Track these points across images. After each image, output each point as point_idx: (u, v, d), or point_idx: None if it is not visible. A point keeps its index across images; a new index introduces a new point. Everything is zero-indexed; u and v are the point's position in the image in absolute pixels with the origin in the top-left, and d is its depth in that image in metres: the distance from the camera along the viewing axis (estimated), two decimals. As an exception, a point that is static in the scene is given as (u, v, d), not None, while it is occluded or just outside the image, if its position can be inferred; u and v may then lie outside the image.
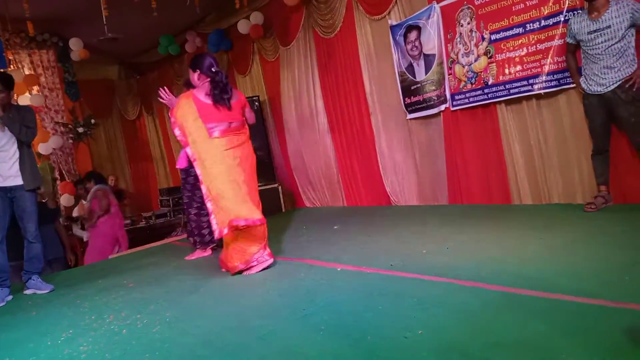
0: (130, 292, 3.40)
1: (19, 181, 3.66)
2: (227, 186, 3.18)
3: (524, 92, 3.86)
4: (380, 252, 3.33)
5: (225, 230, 3.17)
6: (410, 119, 4.86)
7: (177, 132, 3.31)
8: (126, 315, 2.81)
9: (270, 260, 3.32)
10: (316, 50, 5.77)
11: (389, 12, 4.82)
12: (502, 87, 3.99)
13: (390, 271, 2.82)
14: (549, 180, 3.93)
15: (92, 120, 7.65)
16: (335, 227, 4.55)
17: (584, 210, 3.51)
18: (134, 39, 7.03)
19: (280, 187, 6.38)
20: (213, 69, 3.31)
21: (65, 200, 6.86)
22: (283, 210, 6.36)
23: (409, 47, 4.64)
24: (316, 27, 5.65)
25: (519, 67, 3.86)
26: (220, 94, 3.27)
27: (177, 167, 4.41)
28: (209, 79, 3.31)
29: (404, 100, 4.83)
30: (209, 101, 3.25)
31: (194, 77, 3.37)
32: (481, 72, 4.11)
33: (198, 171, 3.28)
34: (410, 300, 2.33)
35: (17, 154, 3.67)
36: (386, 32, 4.86)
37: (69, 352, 2.39)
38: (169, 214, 7.87)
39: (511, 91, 3.94)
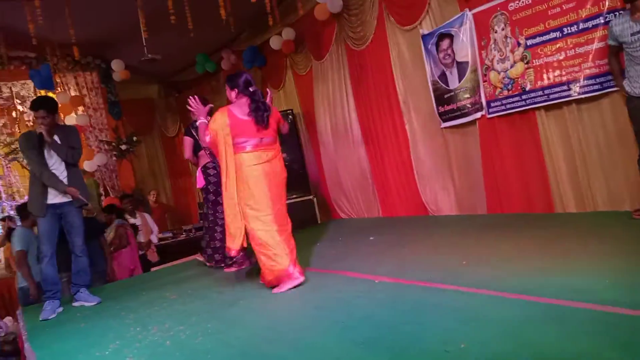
0: (173, 304, 3.49)
1: (68, 198, 3.84)
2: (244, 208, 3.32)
3: (564, 97, 3.75)
4: (418, 264, 3.29)
5: (233, 252, 3.41)
6: (444, 127, 4.80)
7: (207, 138, 3.38)
8: (169, 326, 2.88)
9: (301, 279, 3.28)
10: (348, 63, 5.81)
11: (420, 22, 4.80)
12: (540, 93, 3.90)
13: (429, 283, 2.78)
14: (594, 187, 3.79)
15: (134, 138, 7.94)
16: (371, 238, 4.53)
17: (631, 217, 3.36)
18: (172, 58, 7.27)
19: (315, 199, 6.41)
20: (251, 89, 3.41)
21: (109, 215, 7.12)
22: (318, 221, 6.38)
23: (441, 55, 4.60)
24: (347, 40, 5.70)
25: (557, 72, 3.76)
26: (263, 113, 3.36)
27: (198, 187, 4.54)
28: (245, 97, 3.40)
29: (438, 109, 4.79)
30: (246, 118, 3.33)
31: (232, 94, 3.46)
32: (518, 78, 4.03)
33: (223, 180, 3.38)
34: (451, 313, 2.29)
35: (66, 173, 3.85)
36: (418, 42, 4.85)
37: (116, 363, 2.48)
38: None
39: (550, 96, 3.84)
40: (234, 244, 3.35)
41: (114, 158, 7.59)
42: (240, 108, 3.38)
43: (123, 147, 7.68)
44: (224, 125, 3.32)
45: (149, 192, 8.65)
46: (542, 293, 2.28)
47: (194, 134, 4.31)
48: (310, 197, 6.39)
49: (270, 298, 3.19)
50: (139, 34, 5.17)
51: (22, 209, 5.04)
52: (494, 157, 4.41)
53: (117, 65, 7.10)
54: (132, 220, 6.14)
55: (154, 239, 6.52)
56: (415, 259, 3.45)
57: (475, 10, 4.26)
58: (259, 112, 3.35)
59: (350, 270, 3.44)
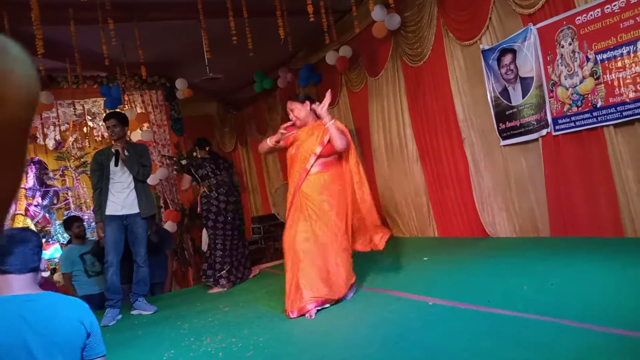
0: (226, 315, 3.54)
1: (135, 210, 4.02)
2: None
3: (638, 114, 3.51)
4: (475, 287, 3.15)
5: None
6: (504, 145, 4.63)
7: (345, 142, 3.47)
8: (222, 338, 2.92)
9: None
10: (404, 79, 5.76)
11: (480, 37, 4.69)
12: (613, 110, 3.67)
13: (487, 308, 2.65)
14: (672, 211, 3.49)
15: (194, 153, 8.23)
16: (425, 258, 4.41)
17: None
18: (230, 77, 7.54)
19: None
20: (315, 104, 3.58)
21: (168, 227, 7.40)
22: (371, 239, 6.29)
23: (503, 70, 4.46)
24: (404, 56, 5.67)
25: (631, 88, 3.53)
26: None
27: (198, 211, 5.13)
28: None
29: (498, 126, 4.63)
30: None
31: (307, 107, 3.56)
32: (588, 94, 3.83)
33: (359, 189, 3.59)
34: (511, 340, 2.16)
35: (132, 184, 4.05)
36: (477, 57, 4.73)
37: (170, 371, 2.53)
38: (260, 241, 8.15)
39: (624, 114, 3.60)
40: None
41: (175, 172, 7.90)
42: None
43: (183, 162, 7.98)
44: None
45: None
46: (612, 323, 2.10)
47: (193, 172, 5.06)
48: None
49: (320, 314, 3.16)
50: (202, 54, 5.40)
51: (66, 222, 5.23)
52: (558, 177, 4.18)
53: (180, 84, 7.45)
54: None
55: None
56: (471, 282, 3.30)
57: (539, 25, 4.10)
58: None
59: (401, 290, 3.35)
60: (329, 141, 3.40)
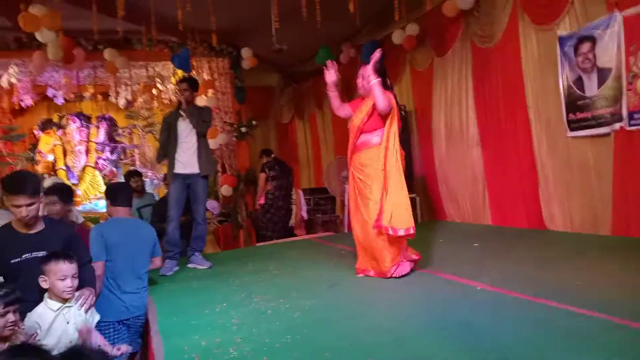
0: (275, 277, 3.71)
1: (196, 169, 4.26)
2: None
3: None
4: (526, 277, 3.11)
5: (412, 231, 3.30)
6: (572, 136, 4.43)
7: (388, 103, 3.42)
8: (271, 298, 3.08)
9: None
10: (472, 60, 5.59)
11: (559, 22, 4.46)
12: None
13: (536, 298, 2.62)
14: None
15: (253, 122, 8.45)
16: (476, 244, 4.36)
17: None
18: (294, 49, 7.58)
19: (417, 198, 6.31)
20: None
21: (224, 190, 7.71)
22: (419, 221, 6.27)
23: (579, 59, 4.24)
24: (474, 37, 5.48)
25: None
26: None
27: (260, 202, 6.75)
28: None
29: (567, 116, 4.43)
30: None
31: (376, 77, 3.53)
32: (670, 89, 3.59)
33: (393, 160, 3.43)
34: (558, 331, 2.15)
35: (196, 145, 4.27)
36: (552, 43, 4.50)
37: (223, 322, 2.72)
38: (309, 213, 8.30)
39: None
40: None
41: (234, 139, 8.15)
42: None
43: (243, 129, 8.22)
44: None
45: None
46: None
47: (267, 170, 6.75)
48: (413, 195, 6.28)
49: (366, 287, 3.25)
50: (268, 25, 5.47)
51: (126, 176, 5.61)
52: (628, 174, 3.97)
53: (246, 53, 7.60)
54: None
55: (304, 214, 7.52)
56: (522, 272, 3.26)
57: (626, 13, 3.84)
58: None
59: (449, 273, 3.36)
60: (370, 115, 3.41)
